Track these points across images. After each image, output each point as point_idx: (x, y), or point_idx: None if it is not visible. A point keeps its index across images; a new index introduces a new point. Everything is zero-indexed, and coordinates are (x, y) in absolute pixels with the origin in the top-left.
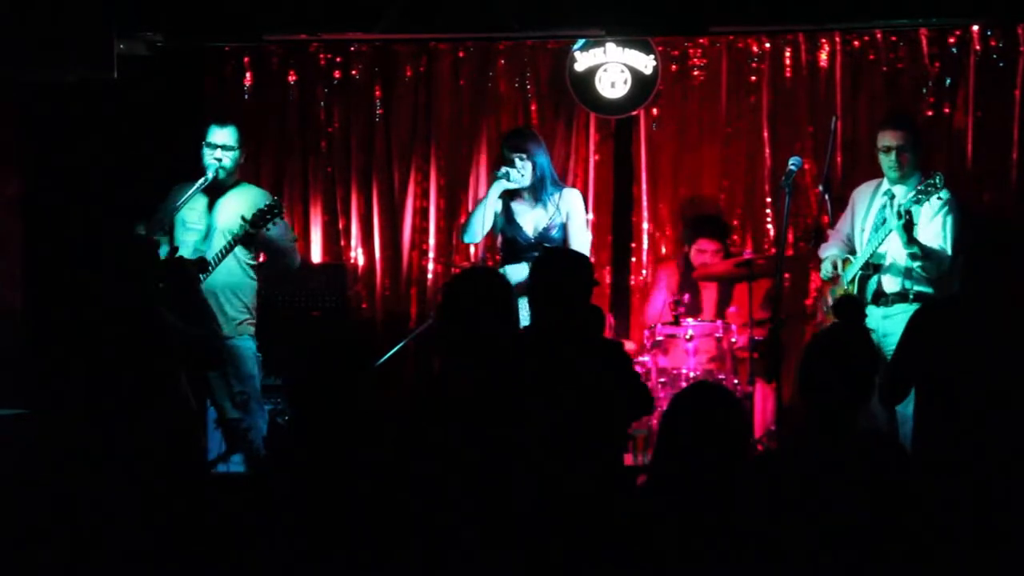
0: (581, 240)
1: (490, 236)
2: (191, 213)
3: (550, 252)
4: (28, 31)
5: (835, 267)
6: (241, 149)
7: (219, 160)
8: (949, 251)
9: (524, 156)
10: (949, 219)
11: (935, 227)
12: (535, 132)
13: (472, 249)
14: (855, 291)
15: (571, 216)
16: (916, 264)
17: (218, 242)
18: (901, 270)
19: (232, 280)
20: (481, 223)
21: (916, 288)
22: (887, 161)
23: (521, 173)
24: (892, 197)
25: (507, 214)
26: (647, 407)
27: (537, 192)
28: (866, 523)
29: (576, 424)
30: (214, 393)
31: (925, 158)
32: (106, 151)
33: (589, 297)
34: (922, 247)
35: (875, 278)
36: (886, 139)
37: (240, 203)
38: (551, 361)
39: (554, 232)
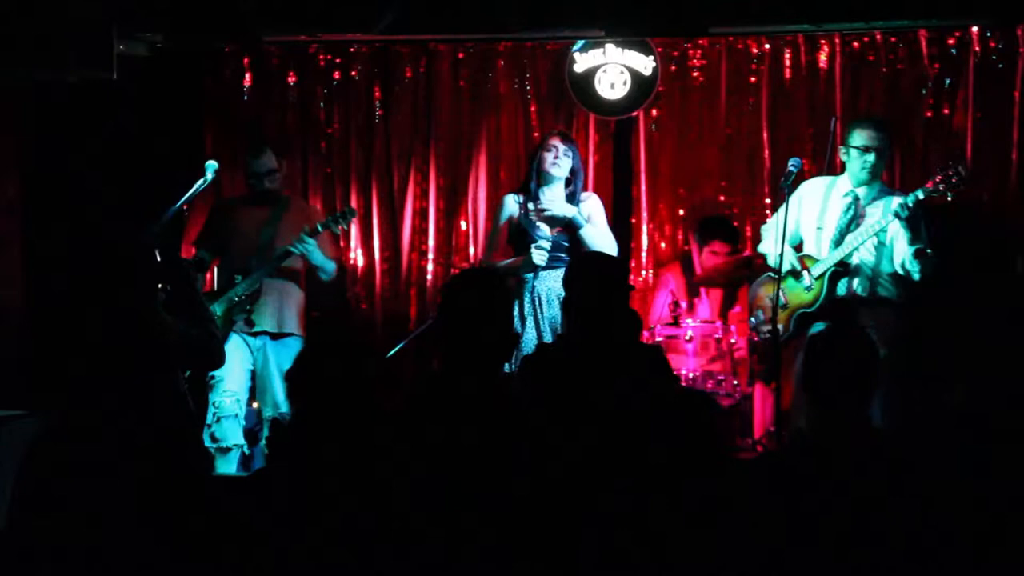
0: (605, 242)
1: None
2: (248, 224)
3: (585, 257)
4: (28, 31)
5: (796, 262)
6: (281, 163)
7: (268, 184)
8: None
9: (569, 145)
10: (922, 223)
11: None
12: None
13: (472, 250)
14: (823, 289)
15: (592, 218)
16: (914, 264)
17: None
18: (868, 274)
19: (289, 281)
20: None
21: (881, 293)
22: (861, 161)
23: (563, 164)
24: (856, 199)
25: (524, 213)
26: None
27: (568, 186)
28: (868, 523)
29: (616, 428)
30: (269, 388)
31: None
32: (106, 151)
33: (626, 301)
34: (924, 244)
35: (845, 278)
36: (866, 138)
37: (299, 220)
38: (590, 366)
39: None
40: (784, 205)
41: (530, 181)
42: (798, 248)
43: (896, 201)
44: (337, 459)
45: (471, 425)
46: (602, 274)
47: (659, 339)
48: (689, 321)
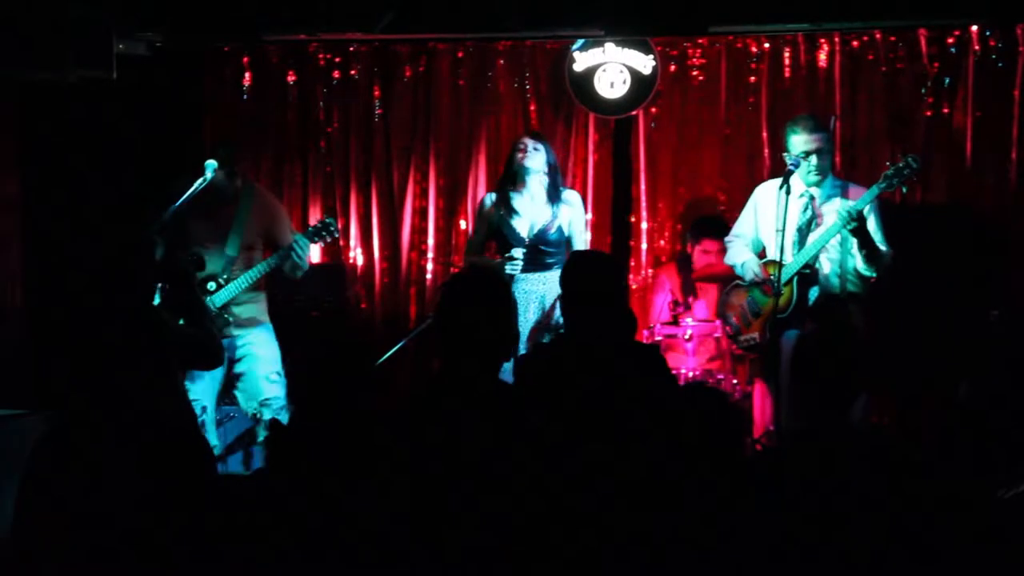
0: (582, 243)
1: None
2: (203, 228)
3: (582, 256)
4: (28, 31)
5: (759, 271)
6: (228, 165)
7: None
8: (884, 247)
9: (538, 141)
10: (875, 216)
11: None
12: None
13: None
14: (793, 294)
15: (574, 221)
16: (864, 266)
17: (234, 247)
18: (837, 271)
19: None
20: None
21: (851, 289)
22: (806, 166)
23: (533, 157)
24: (812, 199)
25: (502, 214)
26: None
27: (545, 183)
28: (864, 519)
29: (614, 428)
30: (249, 383)
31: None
32: (106, 151)
33: (625, 300)
34: (874, 247)
35: (816, 284)
36: (803, 143)
37: (260, 208)
38: (588, 366)
39: (551, 234)
40: (744, 215)
41: (506, 184)
42: (761, 255)
43: (846, 206)
44: (337, 459)
45: (470, 425)
46: (599, 274)
47: (659, 338)
48: (689, 320)
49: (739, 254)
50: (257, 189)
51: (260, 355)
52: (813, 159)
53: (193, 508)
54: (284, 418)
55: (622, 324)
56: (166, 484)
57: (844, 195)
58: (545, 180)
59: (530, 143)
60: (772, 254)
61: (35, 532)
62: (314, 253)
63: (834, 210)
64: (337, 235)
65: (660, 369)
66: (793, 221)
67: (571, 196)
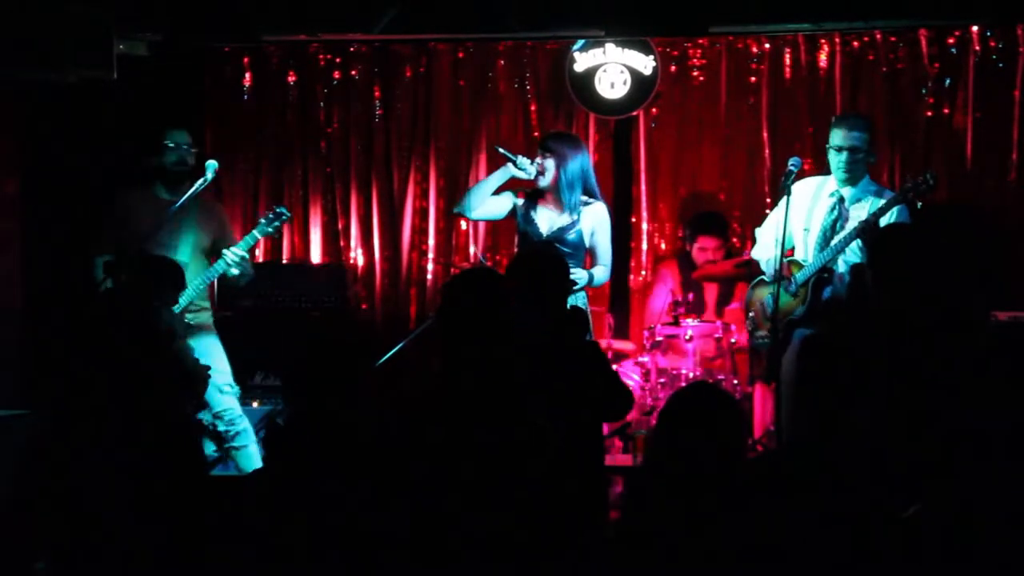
0: (605, 258)
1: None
2: (155, 225)
3: (523, 254)
4: (28, 31)
5: (781, 270)
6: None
7: (189, 160)
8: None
9: (549, 155)
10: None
11: None
12: (575, 138)
13: (472, 249)
14: (808, 296)
15: (596, 232)
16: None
17: (187, 253)
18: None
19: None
20: (479, 199)
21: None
22: (837, 161)
23: (539, 171)
24: (841, 200)
25: (527, 210)
26: (625, 407)
27: (557, 195)
28: (864, 522)
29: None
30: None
31: (876, 160)
32: (106, 151)
33: (565, 298)
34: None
35: (830, 285)
36: (839, 138)
37: (208, 214)
38: (533, 364)
39: (569, 236)
40: (777, 207)
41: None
42: (789, 253)
43: (871, 209)
44: (336, 459)
45: (471, 425)
46: (537, 270)
47: (659, 338)
48: (689, 320)
49: (765, 250)
50: (202, 196)
51: (212, 367)
52: (844, 156)
53: (190, 508)
54: (243, 428)
55: (563, 323)
56: (163, 485)
57: (878, 198)
58: (565, 191)
59: (539, 160)
60: (796, 252)
61: (32, 531)
62: (314, 253)
63: (863, 212)
64: (288, 217)
65: (600, 364)
66: (819, 220)
67: (597, 206)
